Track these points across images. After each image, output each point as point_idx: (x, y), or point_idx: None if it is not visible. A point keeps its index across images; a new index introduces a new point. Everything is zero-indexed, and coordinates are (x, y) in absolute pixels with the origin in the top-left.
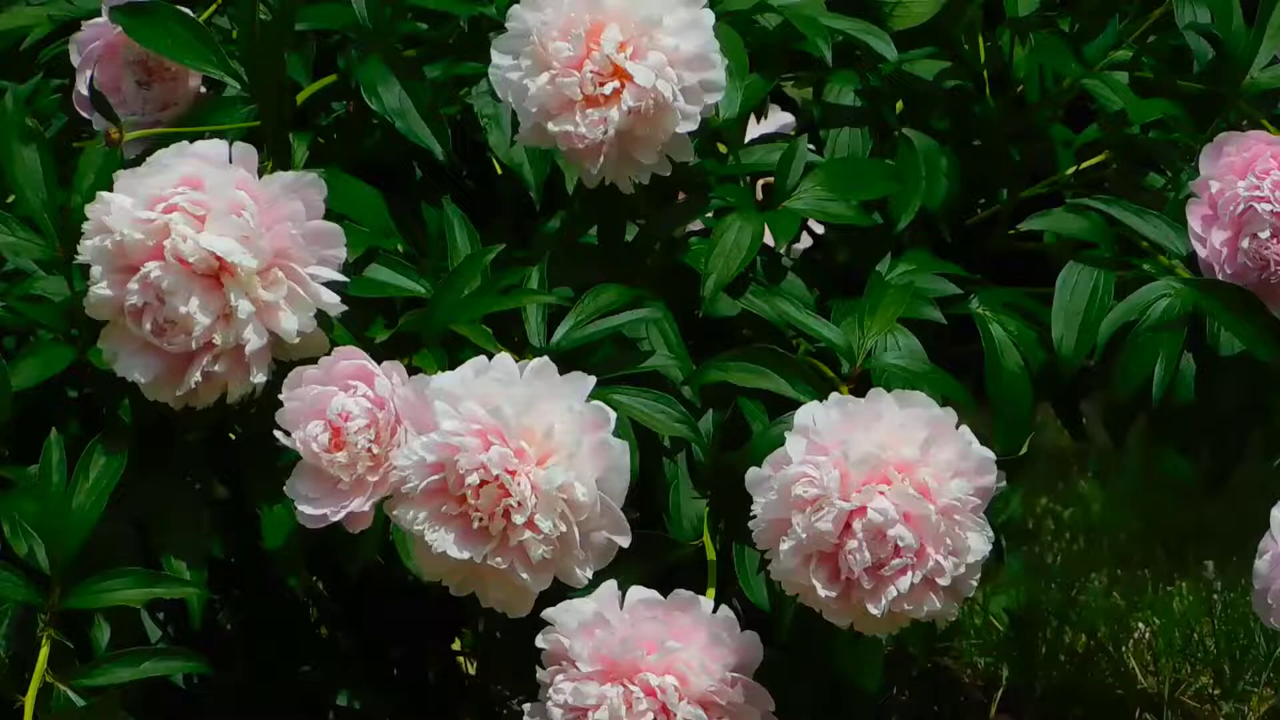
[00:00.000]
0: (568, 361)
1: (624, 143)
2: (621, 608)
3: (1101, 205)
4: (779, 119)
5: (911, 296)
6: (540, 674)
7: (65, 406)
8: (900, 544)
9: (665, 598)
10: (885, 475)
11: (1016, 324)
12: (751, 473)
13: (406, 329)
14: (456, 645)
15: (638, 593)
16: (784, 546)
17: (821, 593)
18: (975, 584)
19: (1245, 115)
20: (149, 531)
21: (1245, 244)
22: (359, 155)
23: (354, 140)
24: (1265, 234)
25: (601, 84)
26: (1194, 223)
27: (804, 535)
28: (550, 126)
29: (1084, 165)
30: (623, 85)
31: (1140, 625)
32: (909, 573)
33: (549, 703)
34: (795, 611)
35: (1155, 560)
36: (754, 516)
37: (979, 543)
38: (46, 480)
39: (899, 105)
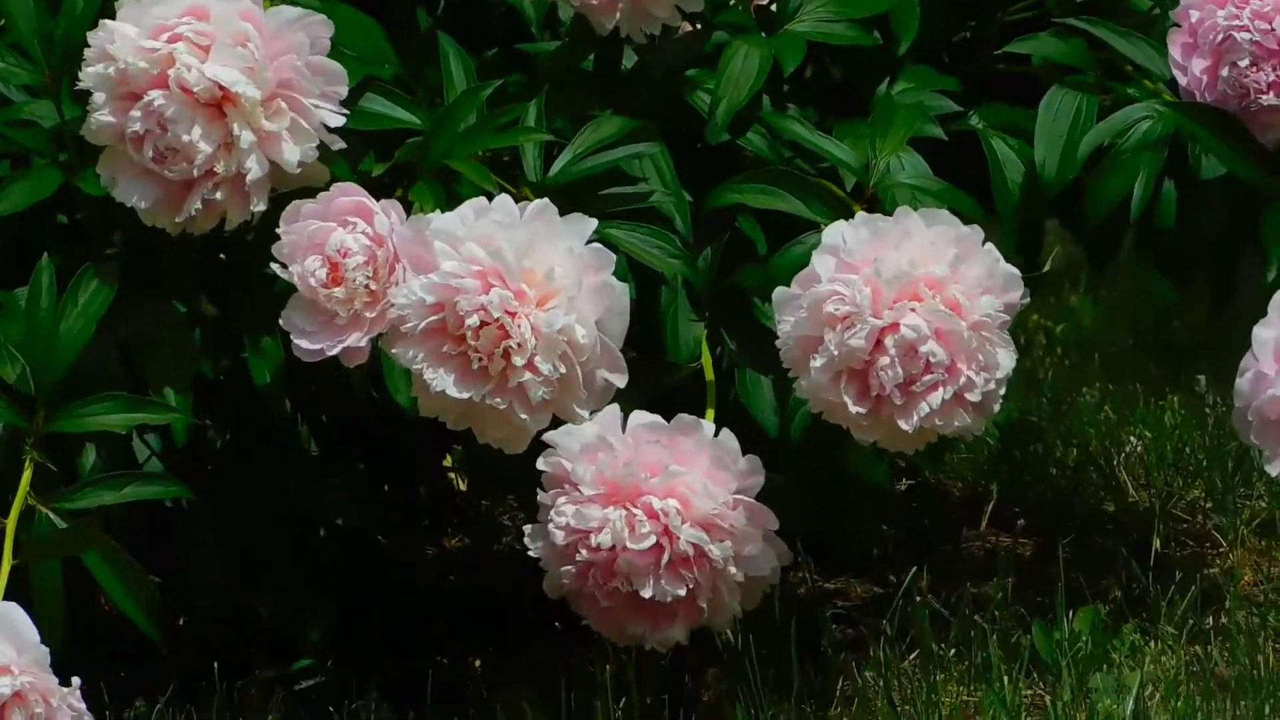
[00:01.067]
0: (564, 194)
1: None
2: (623, 431)
3: (1087, 26)
4: None
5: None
6: (541, 496)
7: (54, 232)
8: (932, 360)
9: (667, 421)
10: (916, 292)
11: (1016, 140)
12: (779, 291)
13: (403, 161)
14: (447, 461)
15: (640, 417)
16: (815, 363)
17: (852, 409)
18: (1002, 399)
19: None
20: (135, 355)
21: (1225, 72)
22: None
23: None
24: (1244, 62)
25: None
26: (1174, 51)
27: (835, 352)
28: None
29: None
30: None
31: (1132, 439)
32: (940, 388)
33: (550, 524)
34: (801, 429)
35: (1147, 375)
36: (780, 335)
37: (1007, 358)
38: (35, 304)
39: None
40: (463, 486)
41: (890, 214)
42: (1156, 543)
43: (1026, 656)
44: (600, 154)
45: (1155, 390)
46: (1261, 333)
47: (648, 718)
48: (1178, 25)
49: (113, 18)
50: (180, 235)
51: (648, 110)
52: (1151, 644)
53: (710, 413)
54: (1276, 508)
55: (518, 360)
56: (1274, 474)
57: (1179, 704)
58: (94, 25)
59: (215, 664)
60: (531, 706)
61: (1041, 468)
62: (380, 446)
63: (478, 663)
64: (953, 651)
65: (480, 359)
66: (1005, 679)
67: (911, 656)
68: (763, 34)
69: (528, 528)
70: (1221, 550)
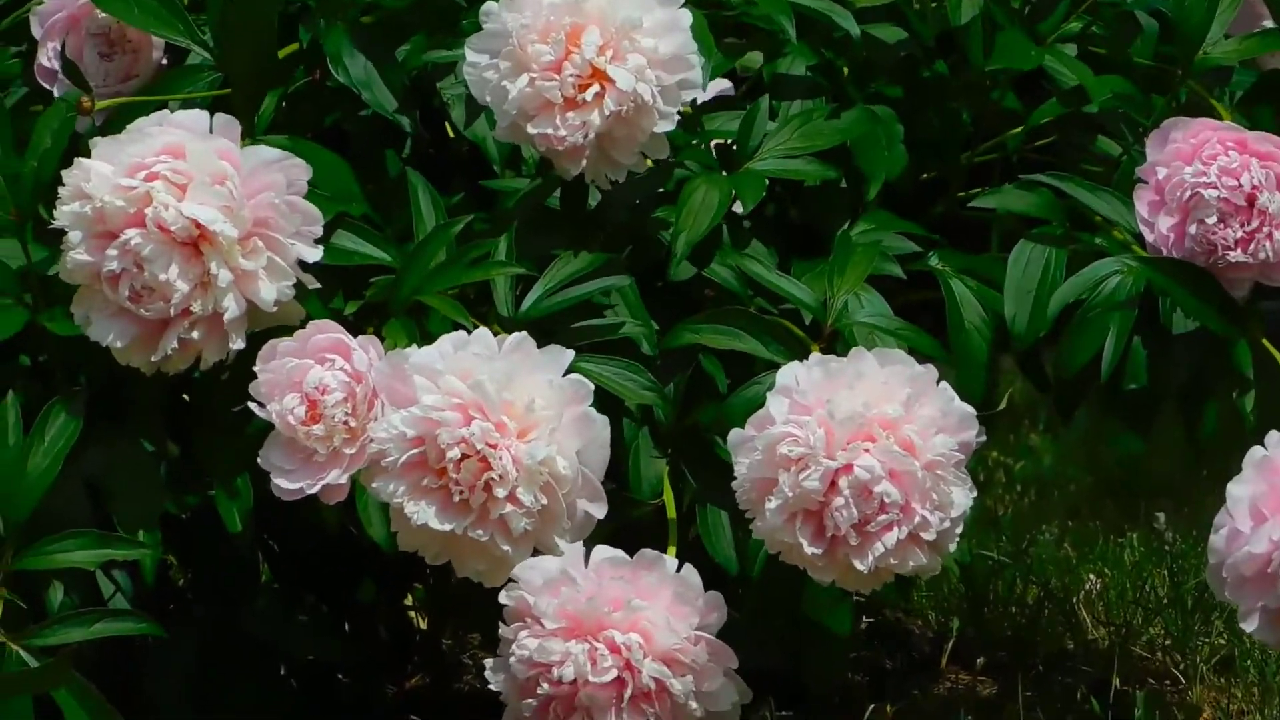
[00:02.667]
0: (535, 328)
1: (603, 143)
2: (586, 566)
3: (1054, 181)
4: (716, 84)
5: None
6: (503, 630)
7: (18, 372)
8: (886, 500)
9: (629, 556)
10: (870, 433)
11: (975, 281)
12: (734, 433)
13: (374, 299)
14: (408, 600)
15: (603, 551)
16: (770, 505)
17: (808, 550)
18: (958, 538)
19: (1195, 93)
20: (104, 492)
21: (1193, 229)
22: (321, 124)
23: (318, 109)
24: (1212, 219)
25: (582, 88)
26: (1141, 208)
27: (790, 493)
28: (529, 128)
29: (1032, 130)
30: (603, 89)
31: (1091, 576)
32: (895, 528)
33: (512, 658)
34: (761, 569)
35: (1105, 512)
36: (736, 477)
37: (962, 497)
38: (2, 442)
39: (845, 71)
40: (423, 625)
41: (848, 353)
42: (1116, 680)
43: None
44: (571, 288)
45: (1114, 528)
46: (1235, 490)
47: None
48: (1144, 182)
49: (85, 156)
50: (145, 376)
51: (611, 247)
52: None
53: (672, 549)
54: (1236, 644)
55: (499, 492)
56: (1249, 630)
57: None
58: (64, 164)
59: None
60: None
61: (1002, 605)
62: (341, 585)
63: None
64: None
65: (462, 491)
66: None
67: None
68: (723, 172)
69: (489, 661)
70: (1181, 687)
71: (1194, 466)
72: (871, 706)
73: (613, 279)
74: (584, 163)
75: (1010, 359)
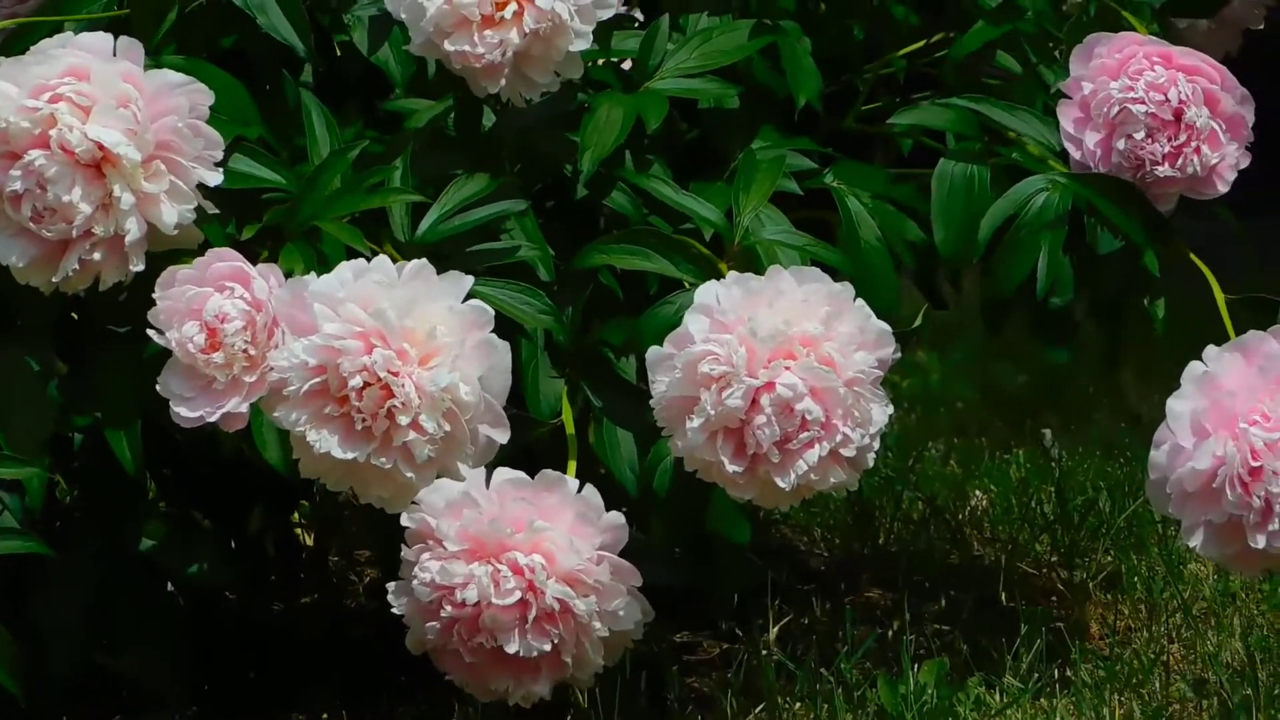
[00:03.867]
0: (431, 253)
1: (519, 62)
2: (488, 487)
3: (971, 104)
4: None
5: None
6: (405, 553)
7: None
8: (808, 417)
9: (531, 477)
10: (791, 350)
11: (870, 197)
12: (652, 351)
13: (271, 223)
14: (294, 518)
15: (504, 473)
16: (691, 424)
17: (729, 468)
18: (876, 454)
19: (1106, 8)
20: None
21: (1120, 144)
22: (217, 45)
23: (214, 29)
24: (1140, 134)
25: (500, 5)
26: (1066, 124)
27: (712, 412)
28: (446, 45)
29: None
30: (521, 7)
31: (977, 493)
32: (816, 445)
33: (414, 581)
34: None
35: (992, 429)
36: (653, 395)
37: (880, 414)
38: None
39: None
40: (309, 543)
41: (755, 271)
42: (1002, 596)
43: (872, 710)
44: (467, 212)
45: (1001, 445)
46: (1176, 405)
47: None
48: (1068, 98)
49: None
50: (34, 293)
51: (505, 170)
52: (997, 698)
53: (572, 467)
54: (1123, 562)
55: (402, 419)
56: (1193, 545)
57: None
58: None
59: (64, 719)
60: None
61: (889, 522)
62: (229, 505)
63: (327, 717)
64: (798, 705)
65: (364, 419)
66: None
67: (758, 709)
68: (624, 92)
69: (390, 584)
70: (1068, 604)
71: (1102, 376)
72: (759, 623)
73: (508, 203)
74: (501, 81)
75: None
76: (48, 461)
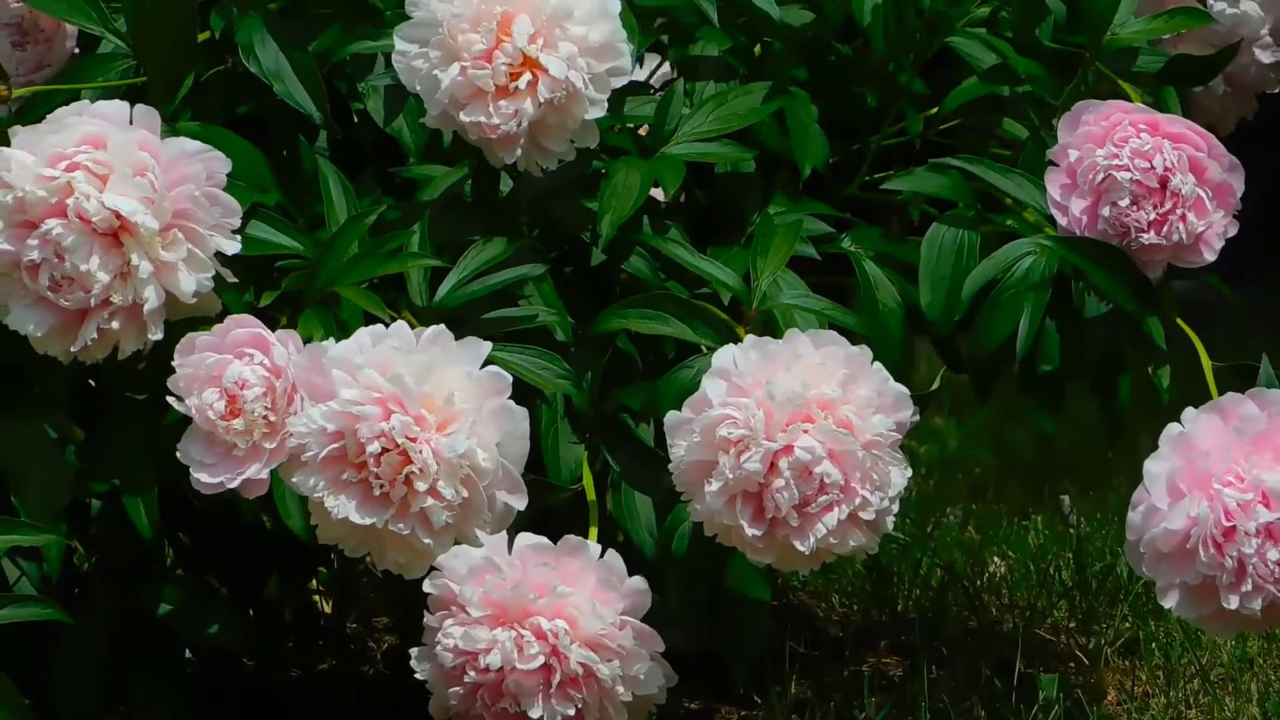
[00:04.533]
0: (449, 318)
1: (535, 131)
2: (510, 553)
3: (964, 165)
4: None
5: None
6: (428, 619)
7: None
8: (827, 480)
9: (552, 543)
10: (809, 414)
11: (887, 262)
12: (671, 416)
13: (290, 289)
14: (313, 584)
15: (526, 538)
16: (710, 488)
17: (748, 531)
18: (895, 518)
19: (1103, 75)
20: (7, 477)
21: (1106, 211)
22: (233, 111)
23: (231, 96)
24: (1125, 201)
25: (514, 76)
26: (1053, 191)
27: (731, 475)
28: (462, 116)
29: (936, 115)
30: (536, 77)
31: (995, 559)
32: (835, 509)
33: (438, 647)
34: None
35: (1010, 495)
36: (671, 460)
37: (899, 477)
38: None
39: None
40: (328, 609)
41: (774, 335)
42: (1020, 663)
43: None
44: (485, 276)
45: (1019, 510)
46: (1153, 466)
47: None
48: (1055, 165)
49: (5, 144)
50: (50, 360)
51: (522, 235)
52: None
53: (594, 532)
54: (1141, 628)
55: (420, 486)
56: (1168, 607)
57: None
58: None
59: None
60: None
61: (906, 588)
62: (247, 570)
63: None
64: None
65: (382, 485)
66: None
67: None
68: (640, 157)
69: (413, 650)
70: (1086, 669)
71: (1106, 445)
72: (777, 689)
73: (526, 267)
74: (518, 151)
75: (926, 341)
76: (64, 529)
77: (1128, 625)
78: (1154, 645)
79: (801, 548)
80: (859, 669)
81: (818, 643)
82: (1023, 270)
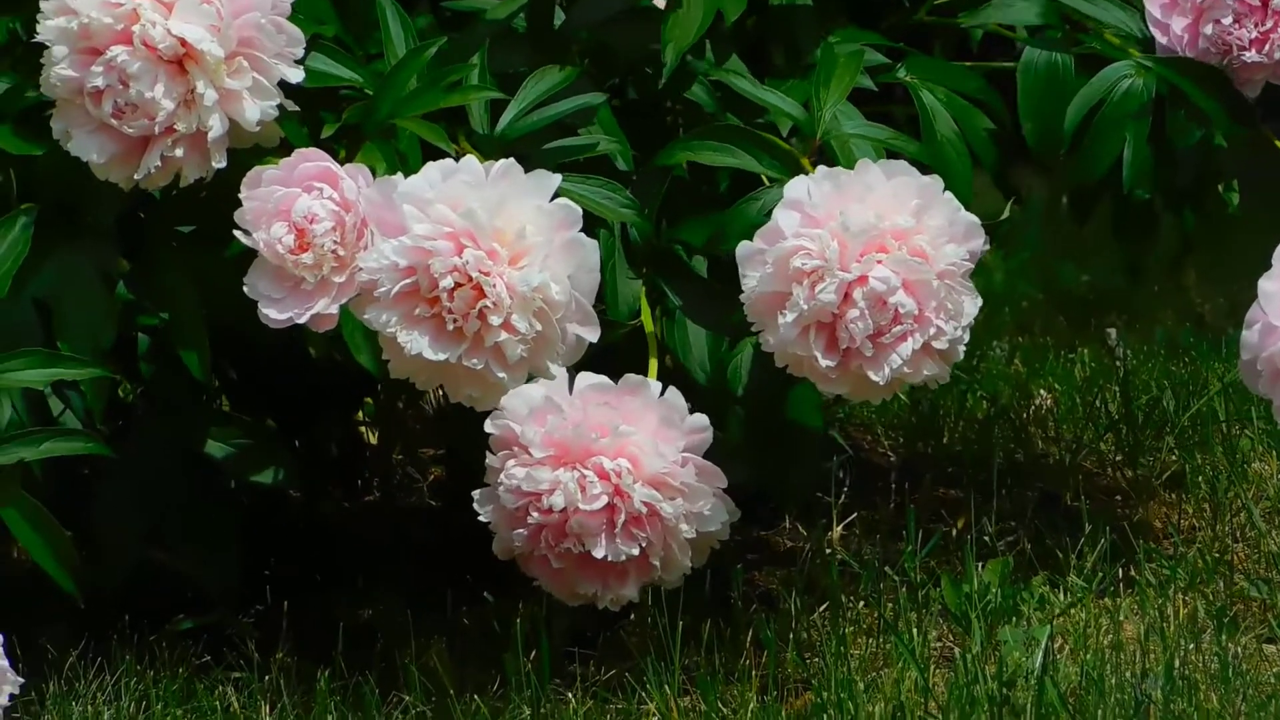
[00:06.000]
0: (511, 149)
1: None
2: (570, 393)
3: None
4: None
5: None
6: (490, 459)
7: None
8: (901, 310)
9: (614, 382)
10: (882, 244)
11: (944, 91)
12: (743, 246)
13: (349, 123)
14: (358, 416)
15: (586, 378)
16: (784, 318)
17: (822, 362)
18: (965, 347)
19: None
20: (54, 311)
21: (1208, 29)
22: None
23: None
24: (1227, 19)
25: None
26: (1153, 9)
27: (805, 306)
28: None
29: None
30: None
31: (1042, 392)
32: (910, 338)
33: (500, 488)
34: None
35: (1056, 328)
36: (744, 291)
37: (971, 306)
38: None
39: None
40: (373, 441)
41: (829, 165)
42: (1066, 496)
43: (936, 609)
44: (545, 107)
45: (1065, 343)
46: (1267, 285)
47: (558, 669)
48: None
49: None
50: (100, 193)
51: (577, 65)
52: (1061, 596)
53: (653, 368)
54: (1187, 460)
55: (494, 320)
56: None
57: (1088, 656)
58: None
59: (126, 617)
60: (442, 660)
61: (952, 421)
62: (292, 404)
63: (388, 615)
64: (862, 604)
65: (455, 320)
66: (914, 630)
67: (822, 608)
68: None
69: (476, 492)
70: (1132, 503)
71: (1178, 270)
72: (824, 520)
73: (587, 96)
74: None
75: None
76: (108, 364)
77: (1174, 458)
78: (1200, 479)
79: (876, 377)
80: (905, 502)
81: (864, 476)
82: (1122, 92)
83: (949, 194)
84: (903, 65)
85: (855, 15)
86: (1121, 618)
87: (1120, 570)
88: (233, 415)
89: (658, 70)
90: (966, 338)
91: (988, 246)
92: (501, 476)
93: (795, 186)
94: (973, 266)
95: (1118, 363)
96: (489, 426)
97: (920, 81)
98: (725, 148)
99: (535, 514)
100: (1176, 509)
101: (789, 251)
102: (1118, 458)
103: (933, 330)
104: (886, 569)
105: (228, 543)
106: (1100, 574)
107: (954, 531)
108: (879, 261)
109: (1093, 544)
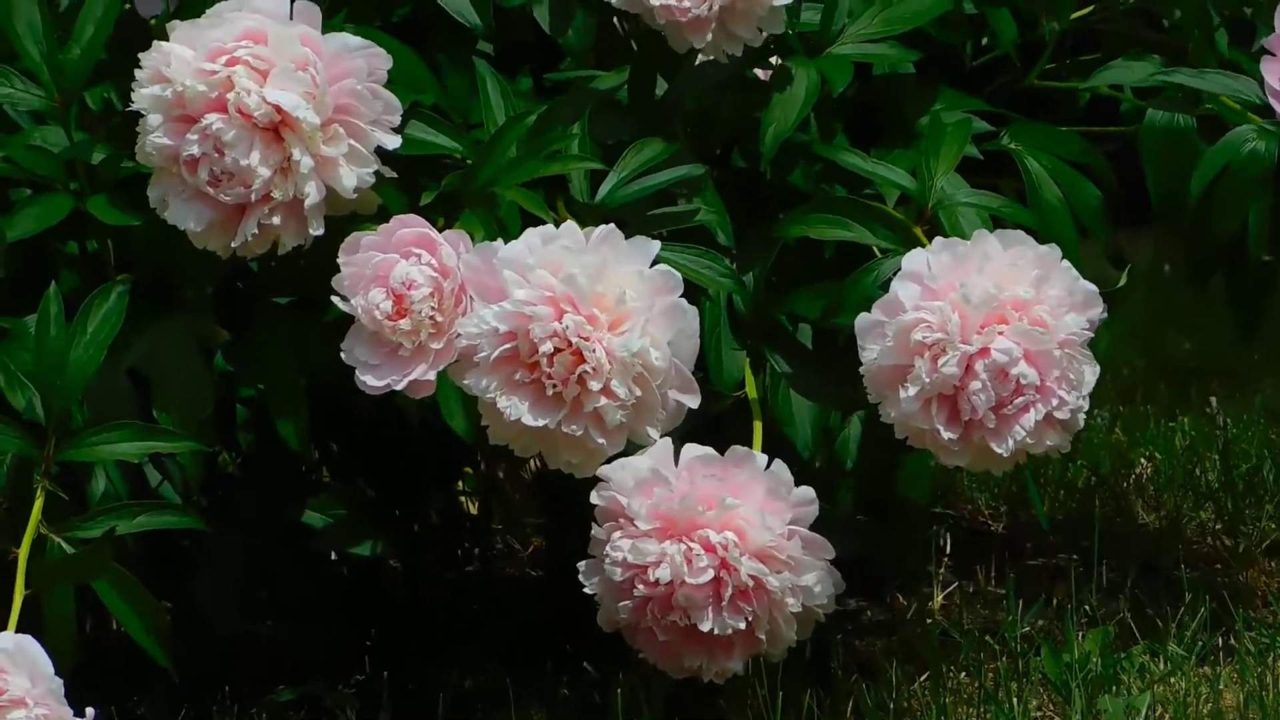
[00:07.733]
0: (611, 218)
1: (724, 16)
2: (676, 464)
3: (1170, 78)
4: None
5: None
6: (596, 531)
7: (63, 260)
8: (1023, 381)
9: (719, 453)
10: (1003, 315)
11: (1048, 158)
12: (861, 318)
13: (448, 190)
14: (458, 486)
15: (692, 449)
16: (906, 392)
17: (944, 435)
18: (1085, 416)
19: None
20: (150, 382)
21: None
22: (389, 16)
23: (385, 2)
24: None
25: None
26: (1271, 80)
27: (927, 380)
28: (652, 0)
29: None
30: None
31: (1142, 460)
32: (1032, 409)
33: (606, 560)
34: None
35: (1158, 396)
36: (863, 364)
37: (1091, 374)
38: (44, 332)
39: None
40: (473, 511)
41: (939, 235)
42: (1166, 564)
43: (1036, 678)
44: (645, 177)
45: (1166, 412)
46: None
47: None
48: (1271, 54)
49: (125, 44)
50: (197, 262)
51: (678, 138)
52: (1161, 665)
53: (758, 439)
54: None
55: (593, 385)
56: None
57: None
58: (111, 52)
59: (226, 688)
60: None
61: (1053, 490)
62: (390, 472)
63: (488, 685)
64: (963, 674)
65: (555, 385)
66: (1015, 700)
67: (922, 679)
68: (808, 58)
69: (582, 564)
70: (1232, 571)
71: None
72: (925, 589)
73: (687, 168)
74: (707, 36)
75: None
76: (204, 437)
77: (1274, 526)
78: None
79: (999, 449)
80: (1006, 571)
81: (965, 545)
82: (1247, 154)
83: (1066, 263)
84: (1006, 132)
85: (954, 81)
86: (1221, 686)
87: (1220, 639)
88: (332, 485)
89: (759, 139)
90: (1086, 406)
91: (1105, 315)
92: (607, 549)
93: (914, 258)
94: (1092, 335)
95: (1218, 431)
96: (595, 498)
97: (1025, 149)
98: (838, 220)
99: (641, 586)
100: (1276, 577)
101: (910, 324)
102: (1217, 526)
103: (1055, 401)
104: (987, 638)
105: (327, 612)
106: (1200, 642)
107: (1055, 600)
108: (1000, 333)
109: (1193, 612)
